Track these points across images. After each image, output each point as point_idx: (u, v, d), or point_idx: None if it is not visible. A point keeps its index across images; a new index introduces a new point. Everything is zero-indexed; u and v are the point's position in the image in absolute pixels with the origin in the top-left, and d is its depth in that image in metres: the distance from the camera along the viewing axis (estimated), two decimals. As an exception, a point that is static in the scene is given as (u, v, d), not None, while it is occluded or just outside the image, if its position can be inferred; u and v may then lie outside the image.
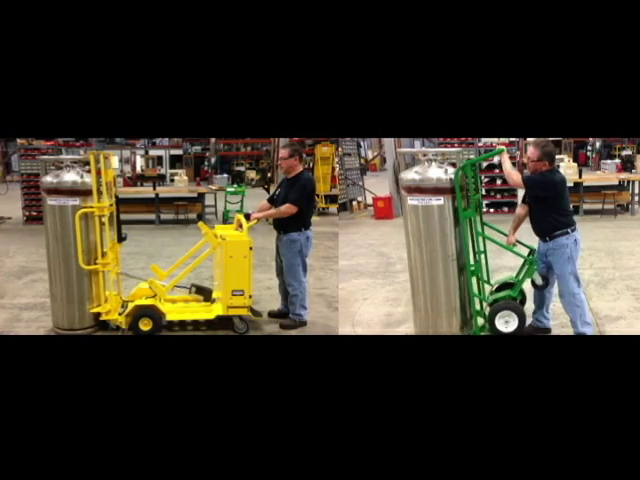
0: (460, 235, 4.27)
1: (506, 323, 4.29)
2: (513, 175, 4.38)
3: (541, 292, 4.44)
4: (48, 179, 4.69)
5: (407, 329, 4.86)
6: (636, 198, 11.38)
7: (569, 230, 4.18)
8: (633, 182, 11.42)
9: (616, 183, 11.83)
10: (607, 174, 13.27)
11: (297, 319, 4.97)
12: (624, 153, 20.42)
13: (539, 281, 4.30)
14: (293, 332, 4.87)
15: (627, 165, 17.03)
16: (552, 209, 4.19)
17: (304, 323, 5.00)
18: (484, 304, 4.54)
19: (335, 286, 6.45)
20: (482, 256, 4.46)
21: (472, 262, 4.33)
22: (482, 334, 4.39)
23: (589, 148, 25.38)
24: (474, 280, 4.38)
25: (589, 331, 4.23)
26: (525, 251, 4.54)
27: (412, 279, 4.43)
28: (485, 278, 4.54)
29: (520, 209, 4.53)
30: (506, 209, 11.54)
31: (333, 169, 13.92)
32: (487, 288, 4.64)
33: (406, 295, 5.17)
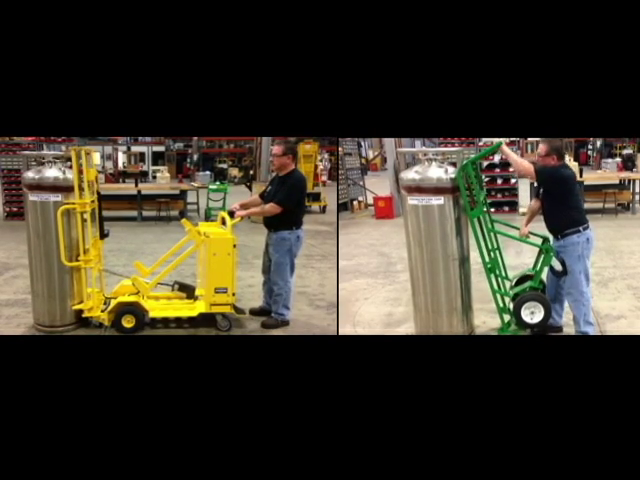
0: (461, 234, 4.27)
1: (532, 314, 4.25)
2: (524, 163, 4.37)
3: (555, 286, 4.40)
4: (30, 175, 4.63)
5: (408, 329, 4.86)
6: (637, 197, 11.35)
7: (580, 228, 4.15)
8: (634, 181, 11.39)
9: (617, 182, 11.81)
10: (608, 173, 13.25)
11: (279, 319, 4.93)
12: (625, 152, 20.35)
13: (559, 267, 4.24)
14: (275, 332, 4.83)
15: (628, 164, 16.95)
16: (563, 205, 4.17)
17: (286, 323, 4.96)
18: (507, 300, 4.52)
19: (317, 284, 6.44)
20: (497, 253, 4.46)
21: (487, 259, 4.35)
22: (509, 330, 4.40)
23: (590, 147, 25.32)
24: (492, 277, 4.38)
25: (591, 331, 4.22)
26: (539, 245, 4.50)
27: (412, 279, 4.43)
28: (503, 274, 4.54)
29: (534, 202, 4.51)
30: (507, 209, 11.52)
31: (316, 167, 13.91)
32: (506, 285, 4.61)
33: (407, 295, 5.16)
